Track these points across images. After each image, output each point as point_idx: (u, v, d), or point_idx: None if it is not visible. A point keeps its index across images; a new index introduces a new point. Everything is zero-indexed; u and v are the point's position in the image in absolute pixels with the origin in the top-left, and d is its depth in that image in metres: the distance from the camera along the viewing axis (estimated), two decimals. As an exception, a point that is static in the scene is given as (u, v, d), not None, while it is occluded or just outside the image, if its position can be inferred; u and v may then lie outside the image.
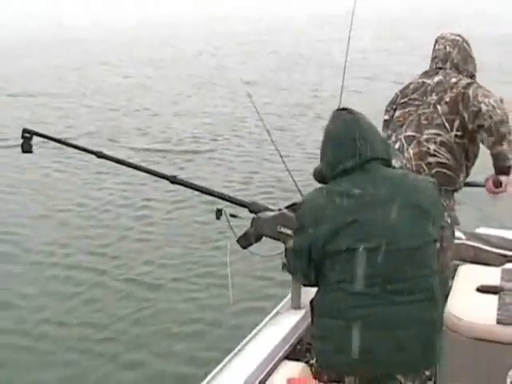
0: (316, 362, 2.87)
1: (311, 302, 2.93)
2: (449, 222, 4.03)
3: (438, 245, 3.80)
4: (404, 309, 2.69)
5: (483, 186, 4.21)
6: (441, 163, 3.97)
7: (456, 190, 4.12)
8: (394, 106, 4.33)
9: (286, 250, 3.10)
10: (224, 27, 33.89)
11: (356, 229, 2.70)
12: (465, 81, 4.04)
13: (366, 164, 2.79)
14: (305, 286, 3.28)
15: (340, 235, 2.70)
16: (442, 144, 3.98)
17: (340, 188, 2.78)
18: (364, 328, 2.68)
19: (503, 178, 4.01)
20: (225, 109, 16.42)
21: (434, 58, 4.30)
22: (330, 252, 2.73)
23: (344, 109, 2.95)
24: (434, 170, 3.96)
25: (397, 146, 4.11)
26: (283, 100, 17.17)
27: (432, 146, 3.98)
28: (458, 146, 3.99)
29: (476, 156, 4.15)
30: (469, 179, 4.28)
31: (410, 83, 4.29)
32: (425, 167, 3.97)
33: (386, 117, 4.38)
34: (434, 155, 3.98)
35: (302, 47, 28.03)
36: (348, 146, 2.81)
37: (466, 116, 3.92)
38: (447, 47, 4.24)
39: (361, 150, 2.79)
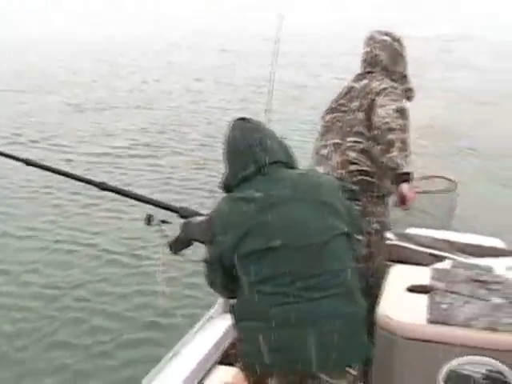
0: (242, 364, 2.88)
1: (232, 307, 2.93)
2: (378, 228, 4.07)
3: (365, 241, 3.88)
4: (319, 305, 2.71)
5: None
6: (362, 171, 4.01)
7: (384, 196, 4.13)
8: (328, 110, 4.32)
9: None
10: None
11: (262, 230, 2.75)
12: (383, 86, 4.04)
13: (264, 168, 2.87)
14: (226, 298, 3.27)
15: (247, 239, 2.74)
16: (361, 152, 4.01)
17: (242, 194, 2.86)
18: (280, 327, 2.69)
19: (405, 187, 3.85)
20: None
21: (362, 62, 4.30)
22: (240, 256, 2.76)
23: (242, 118, 3.05)
24: (355, 178, 3.99)
25: (325, 152, 4.12)
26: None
27: (352, 154, 4.02)
28: (377, 151, 3.98)
29: None
30: None
31: (344, 87, 4.29)
32: (347, 175, 3.99)
33: (322, 122, 4.36)
34: (355, 163, 4.01)
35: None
36: (246, 154, 2.91)
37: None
38: (375, 49, 4.22)
39: (259, 156, 2.89)
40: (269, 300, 2.72)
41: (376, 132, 3.91)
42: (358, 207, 3.92)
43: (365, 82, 4.16)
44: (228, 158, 3.02)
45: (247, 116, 3.09)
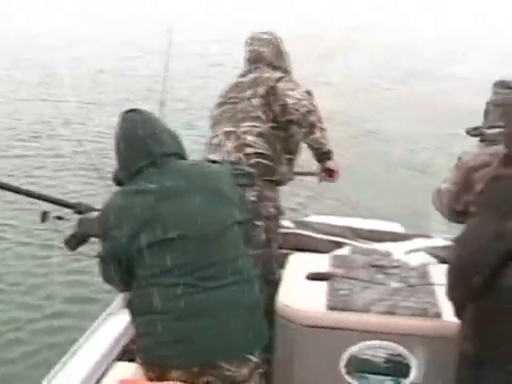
0: (141, 359, 2.83)
1: (128, 302, 2.88)
2: (275, 212, 4.09)
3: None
4: (217, 294, 2.71)
5: (313, 174, 4.33)
6: (259, 153, 4.05)
7: (279, 183, 4.18)
8: (216, 105, 4.38)
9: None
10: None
11: (158, 222, 2.72)
12: (277, 75, 4.15)
13: (158, 160, 2.83)
14: (123, 292, 3.22)
15: (143, 231, 2.71)
16: (259, 135, 4.06)
17: (136, 187, 2.82)
18: (179, 319, 2.67)
19: (331, 163, 4.13)
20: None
21: (248, 60, 4.38)
22: (135, 250, 2.72)
23: (132, 110, 2.99)
24: (252, 161, 4.02)
25: (216, 141, 4.16)
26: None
27: (249, 138, 4.06)
28: (274, 138, 4.10)
29: (297, 149, 4.24)
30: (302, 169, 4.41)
31: (230, 84, 4.37)
32: (243, 158, 4.00)
33: (211, 116, 4.41)
34: (252, 146, 4.05)
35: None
36: (139, 146, 2.86)
37: (276, 110, 4.03)
38: (259, 47, 4.33)
39: (151, 148, 2.84)
40: (167, 292, 2.69)
41: (294, 116, 3.98)
42: (254, 192, 3.96)
43: (253, 75, 4.26)
44: (119, 150, 2.95)
45: (137, 107, 3.03)
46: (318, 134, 4.00)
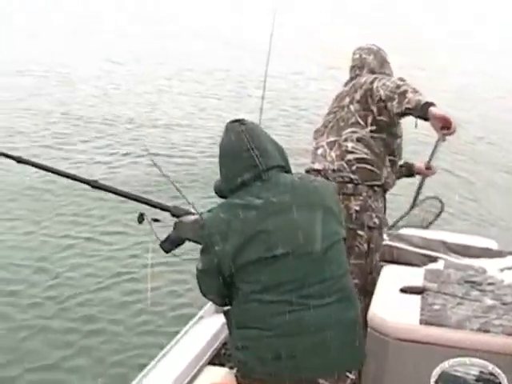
0: (238, 372, 2.84)
1: (225, 313, 2.91)
2: (378, 223, 4.07)
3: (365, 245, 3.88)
4: (321, 312, 2.70)
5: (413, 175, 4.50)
6: (360, 158, 4.03)
7: (383, 188, 4.14)
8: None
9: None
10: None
11: (263, 238, 2.69)
12: (372, 77, 4.11)
13: (263, 174, 2.79)
14: (220, 306, 3.25)
15: (248, 247, 2.69)
16: (358, 140, 4.06)
17: (241, 201, 2.78)
18: (282, 335, 2.67)
19: (436, 110, 3.60)
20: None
21: (352, 68, 4.43)
22: (239, 265, 2.71)
23: (237, 120, 2.94)
24: (354, 167, 4.02)
25: (320, 152, 4.16)
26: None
27: (350, 144, 4.06)
28: (375, 141, 4.07)
29: (400, 150, 4.19)
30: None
31: (335, 96, 4.39)
32: (345, 165, 4.02)
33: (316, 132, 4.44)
34: (352, 152, 4.05)
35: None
36: (244, 158, 2.82)
37: (375, 110, 3.99)
38: (362, 55, 4.37)
39: (257, 161, 2.80)
40: (270, 308, 2.69)
41: (386, 95, 3.84)
42: (358, 201, 3.95)
43: (353, 82, 4.27)
44: (223, 162, 2.94)
45: (242, 118, 2.99)
46: (410, 95, 3.70)
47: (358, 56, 4.41)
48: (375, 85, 3.99)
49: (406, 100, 3.71)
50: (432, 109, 3.58)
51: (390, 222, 4.75)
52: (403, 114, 3.82)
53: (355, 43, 4.58)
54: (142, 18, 28.37)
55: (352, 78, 4.34)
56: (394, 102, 3.79)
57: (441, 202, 5.53)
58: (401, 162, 4.43)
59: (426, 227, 5.41)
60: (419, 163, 4.55)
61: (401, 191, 5.07)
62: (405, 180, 4.69)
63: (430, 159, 4.51)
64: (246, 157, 2.83)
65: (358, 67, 4.36)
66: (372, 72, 4.28)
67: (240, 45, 22.88)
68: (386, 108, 3.91)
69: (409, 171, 4.60)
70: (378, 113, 4.00)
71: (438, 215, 5.53)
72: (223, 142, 2.95)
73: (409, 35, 26.77)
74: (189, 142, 12.52)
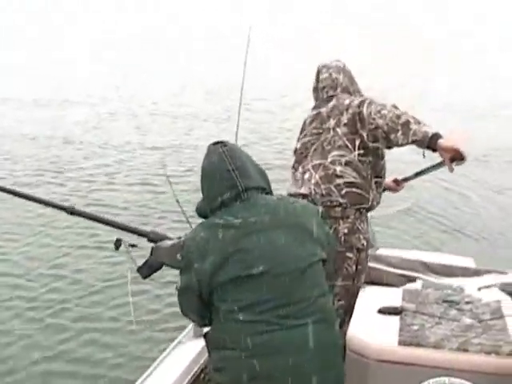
0: None
1: (205, 335, 2.90)
2: (365, 244, 4.09)
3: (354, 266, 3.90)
4: (298, 332, 2.69)
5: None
6: (349, 183, 4.02)
7: (369, 210, 4.17)
8: (296, 145, 4.38)
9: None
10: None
11: (241, 257, 2.71)
12: (357, 100, 4.09)
13: (243, 194, 2.83)
14: (201, 326, 3.23)
15: (225, 266, 2.70)
16: (347, 164, 4.03)
17: (220, 220, 2.80)
18: (259, 356, 2.66)
19: (443, 142, 3.56)
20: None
21: (322, 88, 4.36)
22: (217, 284, 2.72)
23: (218, 142, 2.97)
24: (343, 191, 4.01)
25: (306, 177, 4.15)
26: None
27: (338, 168, 4.03)
28: (363, 165, 4.05)
29: (385, 170, 4.20)
30: None
31: (306, 118, 4.36)
32: (334, 189, 4.01)
33: (295, 153, 4.40)
34: (341, 176, 4.02)
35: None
36: (224, 178, 2.85)
37: (364, 135, 3.97)
38: (333, 74, 4.32)
39: (237, 181, 2.83)
40: (249, 328, 2.69)
41: (385, 127, 3.79)
42: (347, 224, 3.97)
43: (332, 103, 4.21)
44: (205, 182, 2.96)
45: (223, 140, 3.02)
46: (415, 126, 3.66)
47: (327, 75, 4.34)
48: (365, 110, 3.96)
49: (412, 132, 3.67)
50: (441, 141, 3.55)
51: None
52: (408, 145, 3.80)
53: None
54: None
55: (328, 99, 4.28)
56: (399, 134, 3.74)
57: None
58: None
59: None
60: (389, 179, 4.51)
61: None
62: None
63: (412, 178, 4.53)
64: (226, 177, 2.85)
65: (330, 87, 4.31)
66: (346, 91, 4.28)
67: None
68: (386, 138, 3.85)
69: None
70: (372, 139, 3.96)
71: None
72: (205, 163, 2.97)
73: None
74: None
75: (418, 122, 3.72)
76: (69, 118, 16.11)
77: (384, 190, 4.41)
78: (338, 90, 4.28)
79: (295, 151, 4.36)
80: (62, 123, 15.55)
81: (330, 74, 4.33)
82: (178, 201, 4.05)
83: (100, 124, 16.01)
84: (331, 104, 4.20)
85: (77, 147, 13.82)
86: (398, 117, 3.77)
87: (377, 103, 4.00)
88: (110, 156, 13.28)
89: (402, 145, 3.81)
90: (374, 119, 3.90)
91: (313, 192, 4.04)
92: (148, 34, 26.83)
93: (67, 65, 22.69)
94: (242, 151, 3.00)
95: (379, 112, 3.88)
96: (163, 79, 21.64)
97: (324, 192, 4.02)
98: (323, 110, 4.24)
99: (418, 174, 4.44)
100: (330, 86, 4.31)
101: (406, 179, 4.61)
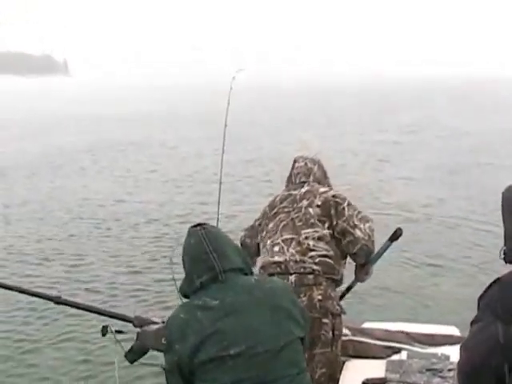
0: None
1: None
2: (339, 310, 4.18)
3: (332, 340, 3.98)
4: None
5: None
6: (322, 255, 4.20)
7: (338, 282, 4.34)
8: (264, 220, 4.56)
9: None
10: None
11: (218, 338, 2.77)
12: (333, 192, 4.43)
13: (220, 275, 2.92)
14: None
15: (204, 347, 2.77)
16: (319, 239, 4.25)
17: (199, 302, 2.88)
18: None
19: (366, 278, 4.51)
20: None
21: (296, 174, 4.67)
22: (197, 364, 2.78)
23: (198, 224, 3.09)
24: (317, 260, 4.18)
25: (277, 249, 4.27)
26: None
27: (311, 242, 4.24)
28: (332, 240, 4.27)
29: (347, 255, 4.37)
30: None
31: (276, 196, 4.60)
32: (307, 259, 4.15)
33: (263, 228, 4.58)
34: (314, 250, 4.20)
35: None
36: (202, 260, 2.95)
37: (337, 224, 4.29)
38: (308, 163, 4.66)
39: (214, 263, 2.93)
40: None
41: (354, 248, 4.25)
42: (320, 291, 4.07)
43: (306, 188, 4.48)
44: (185, 265, 3.05)
45: (203, 222, 3.13)
46: (370, 267, 4.39)
47: (303, 164, 4.65)
48: (346, 207, 4.29)
49: (365, 270, 4.41)
50: (365, 277, 4.47)
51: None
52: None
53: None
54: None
55: (301, 185, 4.53)
56: (359, 260, 4.35)
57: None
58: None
59: None
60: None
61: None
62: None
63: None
64: (204, 259, 2.95)
65: (303, 174, 4.60)
66: (318, 181, 4.56)
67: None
68: (350, 243, 4.27)
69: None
70: (340, 233, 4.27)
71: None
72: (184, 245, 3.07)
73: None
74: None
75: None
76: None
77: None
78: (311, 178, 4.57)
79: (265, 229, 4.51)
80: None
81: (306, 164, 4.65)
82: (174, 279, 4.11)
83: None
84: (304, 189, 4.47)
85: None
86: (370, 252, 4.28)
87: (353, 207, 4.35)
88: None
89: (349, 254, 4.34)
90: (355, 225, 4.25)
91: (288, 259, 4.17)
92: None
93: None
94: (220, 233, 3.10)
95: (363, 223, 4.28)
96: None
97: (298, 259, 4.18)
98: (295, 192, 4.49)
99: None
100: (304, 173, 4.61)
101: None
